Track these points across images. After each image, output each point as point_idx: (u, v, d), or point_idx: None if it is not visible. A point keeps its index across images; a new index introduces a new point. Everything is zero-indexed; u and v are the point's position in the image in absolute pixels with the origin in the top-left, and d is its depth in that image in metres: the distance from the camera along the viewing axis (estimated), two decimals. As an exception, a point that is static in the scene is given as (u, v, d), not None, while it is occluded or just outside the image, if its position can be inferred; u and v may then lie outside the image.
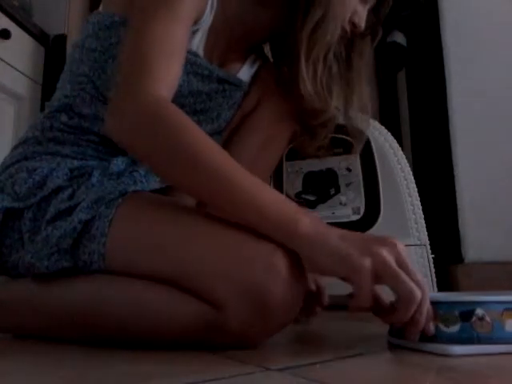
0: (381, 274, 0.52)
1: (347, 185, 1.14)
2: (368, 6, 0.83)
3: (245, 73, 0.89)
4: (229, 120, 0.87)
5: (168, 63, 0.64)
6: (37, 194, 0.67)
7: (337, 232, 0.55)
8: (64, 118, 0.76)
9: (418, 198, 1.10)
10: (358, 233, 0.56)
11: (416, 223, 1.07)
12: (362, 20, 0.82)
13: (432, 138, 1.39)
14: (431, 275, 1.04)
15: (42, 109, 1.88)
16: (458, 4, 1.32)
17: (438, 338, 0.52)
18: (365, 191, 1.11)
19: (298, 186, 1.16)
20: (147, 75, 0.61)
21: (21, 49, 1.72)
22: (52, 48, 1.86)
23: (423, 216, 1.09)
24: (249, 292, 0.53)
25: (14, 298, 0.68)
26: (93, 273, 0.63)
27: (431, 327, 0.53)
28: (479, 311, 0.51)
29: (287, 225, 0.55)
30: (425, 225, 1.08)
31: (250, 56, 0.90)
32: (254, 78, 0.90)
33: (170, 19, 0.64)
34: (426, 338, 0.53)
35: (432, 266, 1.05)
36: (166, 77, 0.63)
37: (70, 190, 0.67)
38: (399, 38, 1.56)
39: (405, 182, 1.09)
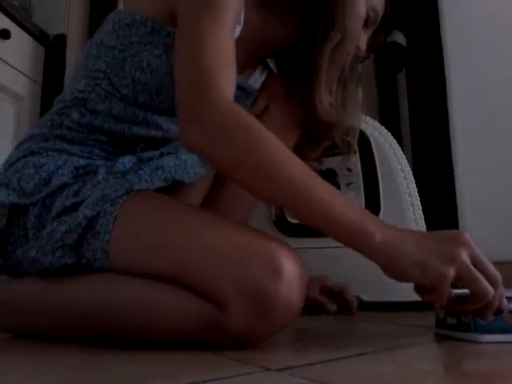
0: (461, 279, 0.54)
1: (347, 185, 1.14)
2: (368, 34, 0.89)
3: (256, 81, 0.91)
4: None
5: (229, 72, 0.65)
6: (42, 191, 0.67)
7: (412, 237, 0.56)
8: (75, 115, 0.76)
9: (418, 198, 1.10)
10: (430, 234, 0.58)
11: (416, 223, 1.07)
12: (363, 44, 0.88)
13: (432, 138, 1.39)
14: (431, 275, 1.04)
15: (42, 109, 1.88)
16: (458, 4, 1.32)
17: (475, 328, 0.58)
18: (365, 191, 1.11)
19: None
20: (217, 84, 0.62)
21: (21, 49, 1.72)
22: (52, 48, 1.86)
23: (423, 216, 1.09)
24: (251, 292, 0.53)
25: (15, 298, 0.69)
26: (95, 271, 0.63)
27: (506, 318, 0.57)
28: None
29: (362, 234, 0.56)
30: (425, 225, 1.08)
31: (258, 65, 0.92)
32: (262, 86, 0.93)
33: (221, 30, 0.65)
34: (463, 327, 0.60)
35: (432, 266, 1.04)
36: (231, 85, 0.65)
37: (75, 187, 0.67)
38: (399, 38, 1.55)
39: (405, 182, 1.09)
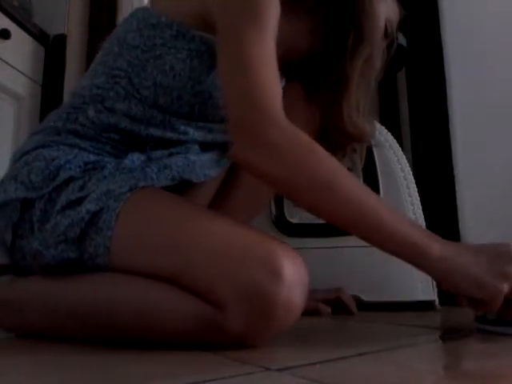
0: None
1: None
2: (384, 46, 0.89)
3: None
4: None
5: (277, 84, 0.66)
6: (49, 185, 0.68)
7: (466, 253, 0.61)
8: (91, 112, 0.76)
9: (418, 198, 1.10)
10: (482, 248, 0.63)
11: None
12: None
13: (432, 138, 1.39)
14: (431, 275, 1.04)
15: (42, 109, 1.88)
16: (458, 4, 1.32)
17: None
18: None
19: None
20: (268, 99, 0.63)
21: (21, 49, 1.72)
22: (52, 48, 1.86)
23: (423, 216, 1.09)
24: (249, 293, 0.53)
25: (18, 298, 0.69)
26: (96, 269, 0.63)
27: None
28: None
29: (422, 251, 0.60)
30: (425, 225, 1.08)
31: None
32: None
33: (264, 41, 0.66)
34: (503, 322, 0.64)
35: (432, 265, 1.04)
36: (280, 97, 0.65)
37: (81, 182, 0.67)
38: (399, 37, 1.55)
39: (405, 182, 1.09)
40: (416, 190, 1.10)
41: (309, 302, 0.91)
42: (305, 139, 0.63)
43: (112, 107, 0.75)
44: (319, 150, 0.63)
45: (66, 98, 1.90)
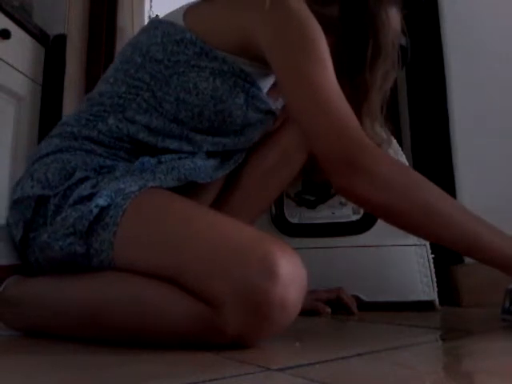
0: None
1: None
2: None
3: (281, 102, 0.92)
4: (255, 141, 0.89)
5: (350, 109, 0.69)
6: (65, 183, 0.69)
7: None
8: (111, 120, 0.76)
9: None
10: None
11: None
12: None
13: (432, 137, 1.39)
14: (431, 275, 1.04)
15: (42, 109, 1.88)
16: (458, 4, 1.32)
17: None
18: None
19: (298, 185, 1.16)
20: (356, 127, 0.68)
21: (21, 49, 1.72)
22: (52, 48, 1.86)
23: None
24: (243, 292, 0.53)
25: (24, 298, 0.69)
26: (100, 265, 0.64)
27: None
28: None
29: (502, 257, 0.68)
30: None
31: None
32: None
33: (328, 72, 0.69)
34: None
35: (432, 265, 1.04)
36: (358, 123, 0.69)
37: (94, 181, 0.69)
38: (400, 37, 1.55)
39: (405, 182, 1.08)
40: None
41: (309, 302, 0.92)
42: (400, 164, 0.69)
43: (132, 118, 0.76)
44: (415, 173, 0.68)
45: (66, 97, 1.91)
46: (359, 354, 0.54)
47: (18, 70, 1.69)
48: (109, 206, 0.64)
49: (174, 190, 0.70)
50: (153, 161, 0.74)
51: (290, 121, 0.91)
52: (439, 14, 1.33)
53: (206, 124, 0.78)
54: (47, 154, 0.75)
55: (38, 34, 1.80)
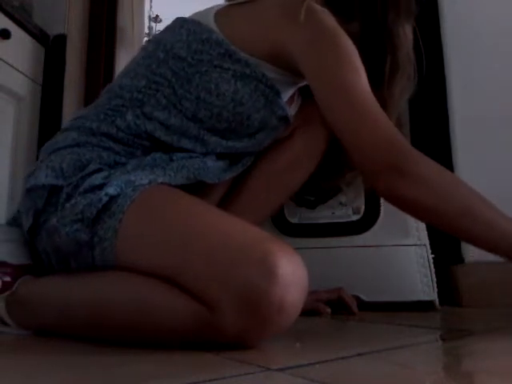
0: None
1: (347, 185, 1.14)
2: None
3: (294, 108, 0.93)
4: (266, 145, 0.90)
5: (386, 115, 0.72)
6: (78, 174, 0.70)
7: None
8: (130, 116, 0.77)
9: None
10: None
11: (416, 223, 1.07)
12: None
13: (432, 138, 1.39)
14: (431, 275, 1.04)
15: (42, 109, 1.88)
16: (458, 4, 1.32)
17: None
18: (365, 191, 1.11)
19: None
20: (396, 132, 0.71)
21: (21, 49, 1.72)
22: (52, 48, 1.86)
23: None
24: (244, 294, 0.53)
25: (33, 298, 0.70)
26: (103, 258, 0.64)
27: None
28: None
29: None
30: (425, 224, 1.08)
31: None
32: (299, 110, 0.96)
33: (364, 81, 0.72)
34: None
35: (432, 265, 1.04)
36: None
37: (106, 173, 0.70)
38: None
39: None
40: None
41: (309, 302, 0.92)
42: (439, 166, 0.71)
43: (150, 114, 0.77)
44: (453, 175, 0.71)
45: (66, 97, 1.91)
46: (359, 354, 0.54)
47: (18, 70, 1.69)
48: (118, 195, 0.65)
49: (182, 188, 0.70)
50: (164, 157, 0.75)
51: (302, 128, 0.93)
52: (439, 14, 1.33)
53: (224, 125, 0.79)
54: (64, 147, 0.75)
55: (38, 34, 1.80)
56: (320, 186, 1.07)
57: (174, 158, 0.76)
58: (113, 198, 0.65)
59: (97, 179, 0.68)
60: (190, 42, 0.77)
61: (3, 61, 1.61)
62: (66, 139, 0.77)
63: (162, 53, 0.78)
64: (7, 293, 0.71)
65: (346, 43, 0.73)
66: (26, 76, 1.73)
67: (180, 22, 0.81)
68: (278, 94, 0.80)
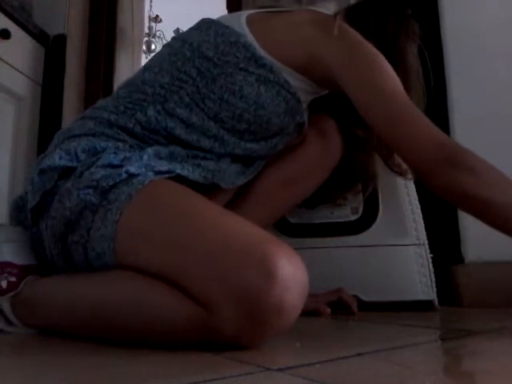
0: None
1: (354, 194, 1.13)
2: None
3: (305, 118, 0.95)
4: (279, 150, 0.92)
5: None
6: (93, 158, 0.70)
7: None
8: (150, 111, 0.77)
9: (416, 197, 1.09)
10: None
11: (414, 222, 1.07)
12: None
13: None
14: (430, 275, 1.04)
15: (42, 109, 1.88)
16: (458, 4, 1.31)
17: None
18: (363, 193, 1.11)
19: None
20: (439, 130, 0.73)
21: (21, 49, 1.73)
22: (52, 48, 1.87)
23: (421, 215, 1.09)
24: (243, 295, 0.53)
25: (37, 298, 0.71)
26: (102, 233, 0.64)
27: None
28: None
29: None
30: (423, 224, 1.08)
31: None
32: (312, 123, 0.97)
33: (401, 86, 0.76)
34: None
35: (431, 265, 1.04)
36: None
37: (122, 156, 0.70)
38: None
39: (403, 182, 1.08)
40: (414, 189, 1.10)
41: (309, 303, 0.92)
42: (487, 162, 0.73)
43: (173, 110, 0.77)
44: (500, 170, 0.73)
45: (66, 97, 1.91)
46: (359, 354, 0.54)
47: (18, 70, 1.69)
48: (138, 174, 0.66)
49: (192, 187, 0.70)
50: (183, 152, 0.76)
51: (318, 139, 0.95)
52: (439, 14, 1.33)
53: (244, 126, 0.80)
54: (79, 135, 0.76)
55: (37, 34, 1.80)
56: (329, 195, 1.08)
57: (190, 154, 0.77)
58: (132, 176, 0.65)
59: (115, 159, 0.69)
60: (218, 43, 0.78)
61: (3, 61, 1.61)
62: (83, 128, 0.77)
63: (188, 51, 0.79)
64: (13, 293, 0.71)
65: (378, 54, 0.77)
66: (26, 76, 1.74)
67: (207, 23, 0.82)
68: (299, 101, 0.83)
